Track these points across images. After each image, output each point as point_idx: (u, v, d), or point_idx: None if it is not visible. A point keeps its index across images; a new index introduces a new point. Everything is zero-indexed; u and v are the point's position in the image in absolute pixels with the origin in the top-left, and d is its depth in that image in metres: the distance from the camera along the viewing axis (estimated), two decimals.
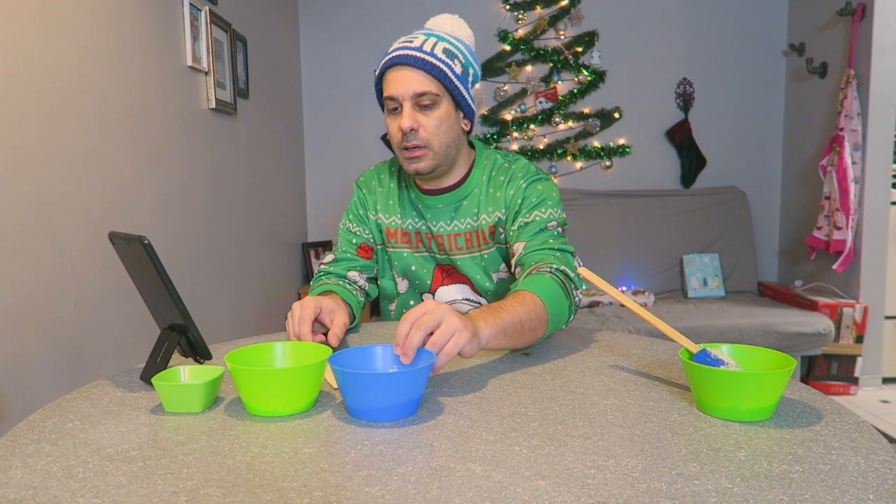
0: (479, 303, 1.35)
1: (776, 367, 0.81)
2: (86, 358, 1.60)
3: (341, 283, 1.32)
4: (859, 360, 3.14)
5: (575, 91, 3.74)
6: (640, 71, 3.77)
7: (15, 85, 1.36)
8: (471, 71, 1.24)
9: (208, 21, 2.34)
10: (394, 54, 1.18)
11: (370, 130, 3.79)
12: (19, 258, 1.37)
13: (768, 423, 0.76)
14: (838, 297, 3.21)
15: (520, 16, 3.71)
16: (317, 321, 1.09)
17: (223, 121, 2.56)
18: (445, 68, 1.17)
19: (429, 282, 1.36)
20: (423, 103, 1.17)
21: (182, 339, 0.93)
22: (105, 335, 1.69)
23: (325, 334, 1.11)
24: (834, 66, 3.33)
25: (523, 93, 3.76)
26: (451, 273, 1.34)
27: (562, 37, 3.72)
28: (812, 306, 3.15)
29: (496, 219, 1.29)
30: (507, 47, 3.72)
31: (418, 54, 1.16)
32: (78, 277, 1.58)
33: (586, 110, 3.76)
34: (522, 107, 3.75)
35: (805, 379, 3.19)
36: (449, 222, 1.30)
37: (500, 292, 1.32)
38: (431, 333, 0.85)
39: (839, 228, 3.12)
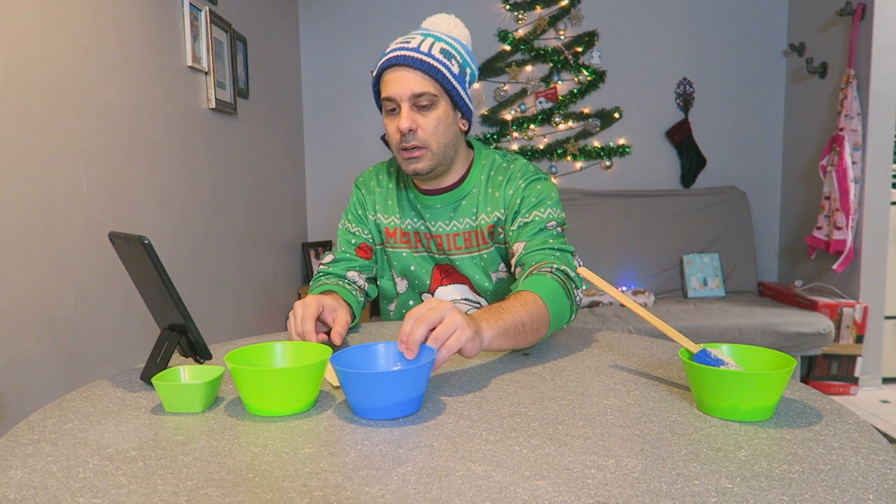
0: (479, 303, 1.35)
1: (776, 367, 0.81)
2: (86, 358, 1.60)
3: (341, 283, 1.32)
4: (859, 360, 3.14)
5: (575, 91, 3.74)
6: (640, 71, 3.77)
7: (15, 85, 1.36)
8: (468, 71, 1.23)
9: (208, 21, 2.34)
10: (391, 55, 1.18)
11: (370, 130, 3.79)
12: (19, 258, 1.37)
13: (768, 423, 0.76)
14: (838, 297, 3.21)
15: (520, 16, 3.71)
16: (319, 320, 1.09)
17: (223, 121, 2.56)
18: (443, 68, 1.17)
19: (428, 282, 1.36)
20: (420, 104, 1.17)
21: (182, 339, 0.93)
22: (105, 335, 1.69)
23: (327, 333, 1.11)
24: (834, 66, 3.33)
25: (523, 93, 3.76)
26: (449, 273, 1.34)
27: (562, 37, 3.72)
28: (812, 306, 3.15)
29: (495, 219, 1.29)
30: (507, 47, 3.72)
31: (416, 55, 1.16)
32: (78, 277, 1.58)
33: (586, 110, 3.76)
34: (522, 107, 3.75)
35: (805, 379, 3.19)
36: (448, 222, 1.30)
37: (499, 292, 1.32)
38: (434, 329, 0.86)
39: (839, 228, 3.12)
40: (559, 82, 3.74)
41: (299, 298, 3.54)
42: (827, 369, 3.17)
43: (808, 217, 3.53)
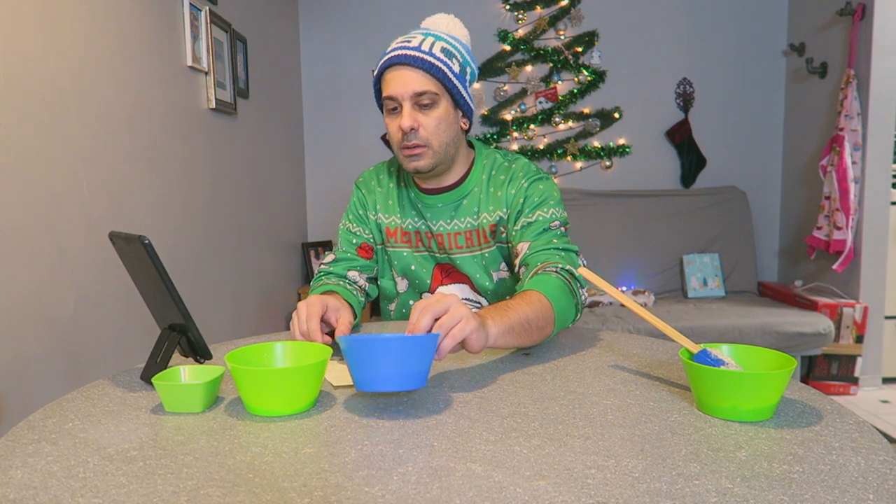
0: (479, 302, 1.35)
1: (776, 367, 0.81)
2: (86, 358, 1.60)
3: (342, 283, 1.32)
4: (859, 360, 3.14)
5: (575, 91, 3.74)
6: (640, 71, 3.77)
7: (15, 85, 1.36)
8: (468, 70, 1.24)
9: (208, 21, 2.34)
10: (392, 54, 1.18)
11: (370, 130, 3.79)
12: (19, 258, 1.37)
13: (768, 423, 0.76)
14: (838, 297, 3.21)
15: (520, 16, 3.71)
16: (322, 320, 1.09)
17: (223, 121, 2.56)
18: (444, 67, 1.18)
19: (428, 281, 1.36)
20: (422, 102, 1.18)
21: (182, 338, 0.93)
22: (105, 335, 1.69)
23: (331, 334, 1.11)
24: (834, 66, 3.33)
25: (523, 93, 3.76)
26: (450, 273, 1.34)
27: (562, 37, 3.72)
28: (812, 306, 3.15)
29: (497, 218, 1.29)
30: (507, 47, 3.72)
31: (417, 54, 1.17)
32: (78, 277, 1.58)
33: (586, 110, 3.76)
34: (522, 107, 3.75)
35: (805, 379, 3.19)
36: (449, 221, 1.31)
37: (499, 292, 1.32)
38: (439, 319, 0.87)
39: (839, 228, 3.12)
40: (559, 82, 3.74)
41: (299, 298, 3.54)
42: (827, 369, 3.17)
43: (808, 217, 3.53)
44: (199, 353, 0.94)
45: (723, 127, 3.82)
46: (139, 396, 0.89)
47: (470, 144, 1.35)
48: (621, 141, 3.80)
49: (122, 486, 0.63)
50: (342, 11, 3.75)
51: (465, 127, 1.28)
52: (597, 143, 3.79)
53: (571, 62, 3.72)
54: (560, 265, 1.13)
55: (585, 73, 3.72)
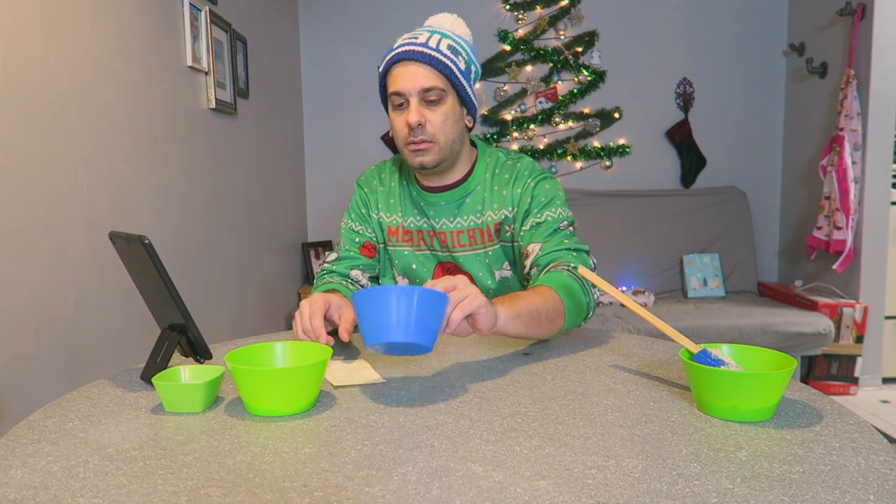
0: None
1: (776, 367, 0.81)
2: (86, 358, 1.60)
3: (344, 282, 1.33)
4: (859, 360, 3.14)
5: (575, 91, 3.74)
6: (640, 71, 3.77)
7: (15, 85, 1.36)
8: (473, 68, 1.25)
9: (208, 21, 2.34)
10: (400, 50, 1.19)
11: (370, 130, 3.79)
12: (19, 258, 1.37)
13: (769, 423, 0.76)
14: (838, 297, 3.21)
15: (520, 16, 3.71)
16: (325, 318, 1.09)
17: (223, 121, 2.56)
18: (451, 64, 1.18)
19: (429, 280, 1.36)
20: (429, 98, 1.18)
21: (182, 338, 0.93)
22: (105, 335, 1.69)
23: (333, 333, 1.11)
24: (834, 66, 3.33)
25: (523, 93, 3.76)
26: (452, 272, 1.34)
27: (562, 37, 3.72)
28: (812, 306, 3.15)
29: (503, 216, 1.29)
30: (507, 47, 3.72)
31: (425, 50, 1.17)
32: (78, 277, 1.58)
33: (586, 110, 3.76)
34: (522, 107, 3.75)
35: (805, 379, 3.19)
36: (452, 219, 1.31)
37: (502, 291, 1.32)
38: None
39: (839, 228, 3.12)
40: (559, 82, 3.74)
41: (299, 298, 3.55)
42: (827, 369, 3.17)
43: (808, 217, 3.53)
44: (199, 353, 0.94)
45: (723, 127, 3.82)
46: (139, 396, 0.89)
47: (472, 143, 1.35)
48: (621, 141, 3.80)
49: (123, 486, 0.63)
50: (342, 11, 3.75)
51: (470, 125, 1.28)
52: (597, 143, 3.79)
53: (571, 62, 3.72)
54: (572, 265, 1.15)
55: (585, 73, 3.72)
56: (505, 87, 3.77)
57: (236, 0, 2.71)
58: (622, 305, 3.14)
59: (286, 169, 3.50)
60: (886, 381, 3.26)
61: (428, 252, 1.35)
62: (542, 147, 3.77)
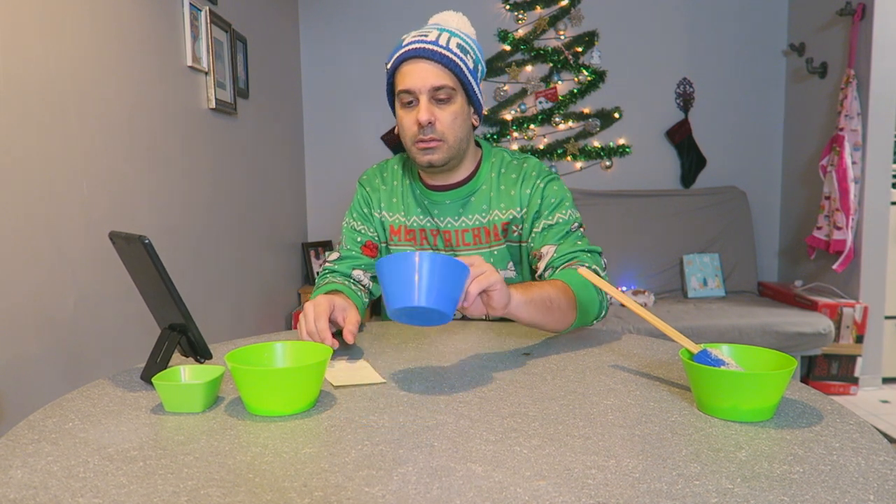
0: None
1: (776, 367, 0.81)
2: (86, 358, 1.60)
3: (346, 282, 1.32)
4: (859, 360, 3.14)
5: (575, 91, 3.74)
6: (640, 71, 3.77)
7: (15, 85, 1.36)
8: (480, 67, 1.25)
9: (208, 21, 2.34)
10: (410, 47, 1.18)
11: (370, 130, 3.79)
12: (19, 258, 1.37)
13: (769, 423, 0.76)
14: (838, 297, 3.21)
15: (520, 16, 3.71)
16: (329, 320, 1.09)
17: (223, 121, 2.56)
18: (461, 63, 1.18)
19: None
20: (439, 97, 1.18)
21: (182, 338, 0.93)
22: (105, 335, 1.69)
23: (337, 334, 1.11)
24: (834, 66, 3.33)
25: (523, 93, 3.76)
26: None
27: (562, 37, 3.72)
28: (812, 306, 3.15)
29: (510, 217, 1.29)
30: (507, 47, 3.72)
31: (435, 48, 1.17)
32: (78, 277, 1.58)
33: (586, 110, 3.76)
34: (522, 107, 3.75)
35: (805, 379, 3.19)
36: (457, 218, 1.31)
37: None
38: None
39: (839, 228, 3.12)
40: (559, 82, 3.74)
41: (299, 298, 3.55)
42: (827, 369, 3.17)
43: (808, 217, 3.53)
44: (200, 352, 0.94)
45: (723, 127, 3.82)
46: (139, 396, 0.89)
47: (476, 143, 1.35)
48: (621, 141, 3.80)
49: (123, 486, 0.63)
50: (342, 11, 3.75)
51: (476, 123, 1.28)
52: (597, 143, 3.79)
53: (571, 62, 3.72)
54: (587, 265, 1.17)
55: (585, 73, 3.72)
56: (505, 87, 3.77)
57: (236, 0, 2.71)
58: (622, 305, 3.14)
59: (286, 169, 3.50)
60: (886, 381, 3.26)
61: (431, 251, 1.35)
62: (542, 147, 3.77)
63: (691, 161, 3.79)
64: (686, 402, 0.83)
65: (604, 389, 0.89)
